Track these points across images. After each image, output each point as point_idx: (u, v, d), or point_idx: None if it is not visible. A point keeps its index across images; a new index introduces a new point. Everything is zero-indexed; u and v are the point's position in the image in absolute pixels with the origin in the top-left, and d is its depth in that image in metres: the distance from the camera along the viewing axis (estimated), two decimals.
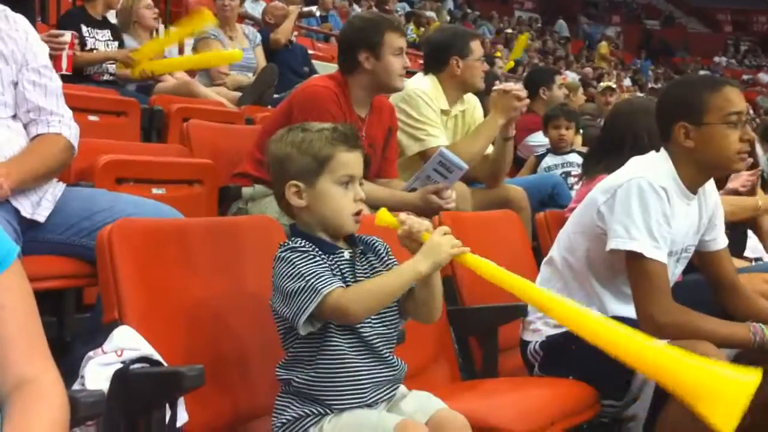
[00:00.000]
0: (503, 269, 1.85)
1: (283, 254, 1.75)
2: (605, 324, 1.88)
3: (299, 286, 1.70)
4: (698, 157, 2.36)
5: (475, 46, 3.70)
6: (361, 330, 1.77)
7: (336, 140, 1.79)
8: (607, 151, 3.12)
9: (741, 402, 1.71)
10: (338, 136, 1.80)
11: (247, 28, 5.64)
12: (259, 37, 5.67)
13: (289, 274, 1.72)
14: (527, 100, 3.55)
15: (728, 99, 2.35)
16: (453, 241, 1.78)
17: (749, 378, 1.71)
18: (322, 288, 1.69)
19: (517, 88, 3.56)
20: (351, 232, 1.83)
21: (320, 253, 1.76)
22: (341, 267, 1.79)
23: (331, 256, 1.78)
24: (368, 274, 1.81)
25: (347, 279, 1.78)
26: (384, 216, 1.81)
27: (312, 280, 1.70)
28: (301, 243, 1.76)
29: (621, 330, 1.85)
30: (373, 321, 1.79)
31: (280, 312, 1.74)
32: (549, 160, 4.70)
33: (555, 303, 1.85)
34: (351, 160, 1.80)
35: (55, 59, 3.10)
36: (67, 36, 4.08)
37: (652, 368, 1.82)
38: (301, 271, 1.71)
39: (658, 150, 2.45)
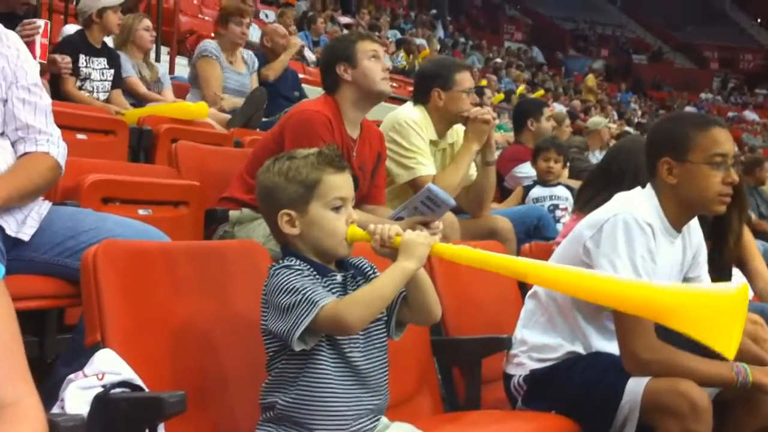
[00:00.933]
0: (478, 250, 1.84)
1: (278, 271, 1.75)
2: (582, 275, 1.91)
3: (295, 300, 1.69)
4: (679, 193, 2.38)
5: (460, 78, 3.69)
6: (350, 354, 1.76)
7: (322, 164, 1.79)
8: (607, 185, 3.13)
9: (734, 315, 1.70)
10: (323, 160, 1.79)
11: (246, 53, 5.62)
12: (256, 62, 5.66)
13: (284, 289, 1.72)
14: (495, 121, 3.60)
15: (715, 140, 2.36)
16: (424, 233, 1.79)
17: (735, 290, 1.70)
18: (319, 300, 1.69)
19: (482, 112, 3.59)
20: (344, 255, 1.83)
21: (314, 272, 1.76)
22: (333, 290, 1.79)
23: (324, 279, 1.78)
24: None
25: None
26: (355, 231, 1.80)
27: (308, 293, 1.70)
28: (295, 261, 1.77)
29: (599, 276, 1.89)
30: (361, 344, 1.78)
31: (274, 329, 1.73)
32: (537, 192, 4.72)
33: (531, 267, 1.86)
34: (339, 182, 1.80)
35: (29, 46, 3.10)
36: (41, 22, 4.08)
37: (635, 303, 1.82)
38: (296, 286, 1.71)
39: (644, 186, 2.47)
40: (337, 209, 1.79)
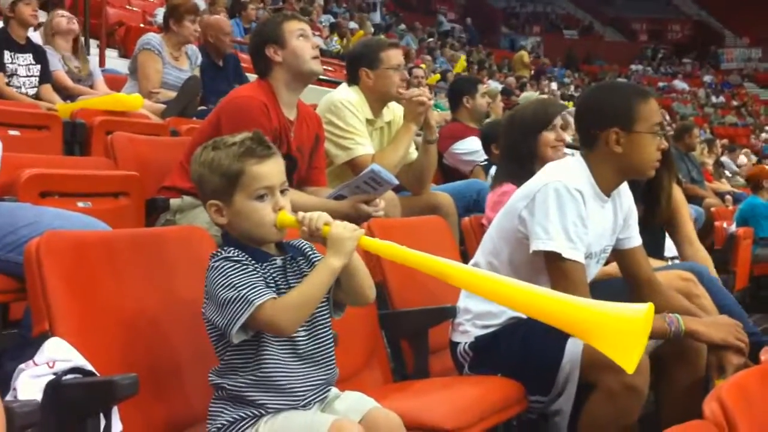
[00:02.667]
0: (402, 247, 1.86)
1: (216, 263, 1.76)
2: (500, 281, 1.95)
3: (232, 296, 1.71)
4: (621, 162, 2.47)
5: (386, 56, 3.72)
6: (294, 335, 1.79)
7: (243, 155, 1.78)
8: (510, 160, 3.31)
9: (639, 335, 1.78)
10: (245, 151, 1.78)
11: (190, 48, 5.54)
12: (199, 57, 5.60)
13: (222, 284, 1.73)
14: (431, 102, 3.64)
15: (654, 110, 2.48)
16: (350, 227, 1.79)
17: (640, 311, 1.77)
18: (255, 299, 1.70)
19: (417, 93, 3.64)
20: (277, 240, 1.85)
21: (253, 262, 1.77)
22: (274, 274, 1.81)
23: (264, 264, 1.80)
24: (299, 278, 1.83)
25: (280, 285, 1.81)
26: (284, 218, 1.80)
27: (244, 291, 1.71)
28: (234, 252, 1.77)
29: (516, 285, 1.92)
30: (306, 324, 1.81)
31: (213, 320, 1.75)
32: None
33: (451, 269, 1.89)
34: (263, 172, 1.79)
35: None
36: None
37: (549, 315, 1.88)
38: (233, 281, 1.72)
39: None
40: (261, 197, 1.79)
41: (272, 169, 1.80)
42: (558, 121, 3.32)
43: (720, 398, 1.49)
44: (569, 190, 2.39)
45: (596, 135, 2.48)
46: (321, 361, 1.83)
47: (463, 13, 27.46)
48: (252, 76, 3.39)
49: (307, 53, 3.14)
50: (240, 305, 1.70)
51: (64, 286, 1.82)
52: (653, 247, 3.23)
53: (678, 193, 3.44)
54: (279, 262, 1.83)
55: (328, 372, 1.85)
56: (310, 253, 1.90)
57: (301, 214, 1.80)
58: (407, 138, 3.66)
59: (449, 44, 19.12)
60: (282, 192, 1.82)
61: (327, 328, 1.86)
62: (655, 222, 3.30)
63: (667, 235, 3.55)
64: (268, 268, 1.80)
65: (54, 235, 1.88)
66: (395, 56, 3.78)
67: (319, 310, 1.84)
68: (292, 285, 1.81)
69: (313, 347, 1.82)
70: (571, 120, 6.86)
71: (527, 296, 1.88)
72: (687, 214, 3.53)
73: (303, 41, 3.14)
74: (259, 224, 1.79)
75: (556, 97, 14.46)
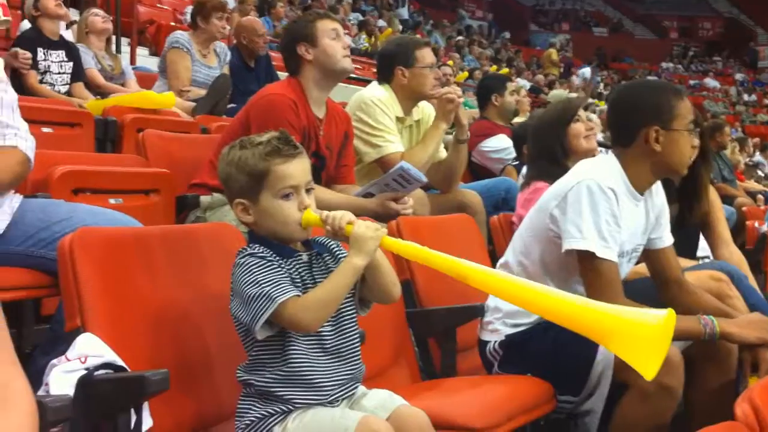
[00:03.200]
0: (424, 248, 1.85)
1: (242, 260, 1.77)
2: (520, 285, 1.92)
3: (255, 293, 1.72)
4: (657, 160, 2.44)
5: (421, 55, 3.74)
6: (321, 330, 1.80)
7: (270, 154, 1.79)
8: (541, 158, 3.33)
9: (658, 341, 1.75)
10: (271, 150, 1.79)
11: (219, 45, 5.58)
12: (228, 55, 5.63)
13: (246, 281, 1.74)
14: (461, 99, 3.64)
15: (689, 107, 2.47)
16: (373, 227, 1.79)
17: (660, 317, 1.74)
18: (278, 297, 1.71)
19: (447, 91, 3.64)
20: (302, 239, 1.85)
21: (278, 259, 1.78)
22: (300, 270, 1.82)
23: (290, 260, 1.81)
24: (325, 274, 1.84)
25: (306, 281, 1.81)
26: (309, 217, 1.81)
27: (268, 288, 1.72)
28: (259, 249, 1.78)
29: (536, 288, 1.90)
30: (332, 320, 1.82)
31: (239, 317, 1.77)
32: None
33: (472, 271, 1.86)
34: (289, 171, 1.79)
35: None
36: None
37: (568, 319, 1.85)
38: (257, 278, 1.73)
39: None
40: (287, 196, 1.79)
41: (298, 169, 1.81)
42: (583, 113, 3.35)
43: (752, 399, 1.47)
44: (602, 188, 2.37)
45: (634, 132, 2.45)
46: (347, 357, 1.84)
47: (490, 11, 27.36)
48: (283, 75, 3.39)
49: (338, 52, 3.15)
50: (263, 302, 1.71)
51: (97, 282, 1.83)
52: (687, 247, 3.19)
53: (712, 194, 3.39)
54: (305, 257, 1.84)
55: (355, 368, 1.85)
56: (335, 249, 1.91)
57: (325, 213, 1.81)
58: (437, 136, 3.66)
59: (477, 42, 19.04)
60: (307, 191, 1.83)
61: (353, 324, 1.87)
62: (691, 221, 3.25)
63: (700, 235, 3.51)
64: (293, 263, 1.81)
65: (87, 232, 1.90)
66: (429, 55, 3.79)
67: (345, 306, 1.84)
68: (317, 281, 1.82)
69: (339, 342, 1.83)
70: (597, 119, 6.84)
71: (545, 299, 1.86)
72: (721, 214, 3.48)
73: (335, 41, 3.15)
74: (285, 223, 1.80)
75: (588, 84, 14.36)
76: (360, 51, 12.61)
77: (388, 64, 3.75)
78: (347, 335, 1.85)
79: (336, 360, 1.81)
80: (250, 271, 1.74)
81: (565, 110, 3.41)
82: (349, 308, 1.86)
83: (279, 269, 1.76)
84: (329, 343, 1.81)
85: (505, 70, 13.37)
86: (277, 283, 1.73)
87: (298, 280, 1.80)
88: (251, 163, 1.79)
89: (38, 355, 2.18)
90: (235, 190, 1.83)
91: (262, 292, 1.71)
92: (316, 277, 1.83)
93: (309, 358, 1.78)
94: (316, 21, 3.18)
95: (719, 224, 3.41)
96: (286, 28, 3.33)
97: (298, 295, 1.74)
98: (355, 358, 1.86)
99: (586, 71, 19.62)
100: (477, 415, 2.05)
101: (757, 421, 1.43)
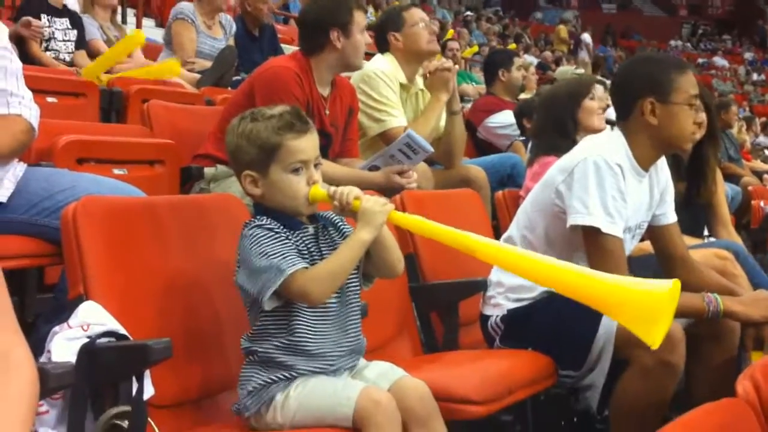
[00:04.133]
0: (432, 222, 1.87)
1: (250, 231, 1.78)
2: (525, 256, 1.94)
3: (264, 264, 1.73)
4: (657, 134, 2.43)
5: (409, 15, 3.75)
6: (327, 302, 1.81)
7: (282, 129, 1.79)
8: (549, 131, 3.35)
9: (664, 311, 1.75)
10: (284, 125, 1.80)
11: (224, 17, 5.53)
12: (234, 27, 5.60)
13: (255, 252, 1.75)
14: (456, 66, 3.64)
15: (692, 82, 2.44)
16: (380, 201, 1.81)
17: (665, 287, 1.74)
18: (287, 268, 1.72)
19: (440, 63, 3.65)
20: (308, 214, 1.85)
21: (285, 230, 1.79)
22: (306, 242, 1.82)
23: (297, 232, 1.81)
24: (331, 247, 1.85)
25: (313, 253, 1.82)
26: (317, 192, 1.82)
27: (276, 259, 1.73)
28: (267, 221, 1.79)
29: (541, 259, 1.92)
30: (338, 292, 1.82)
31: (246, 288, 1.78)
32: None
33: (479, 244, 1.88)
34: (301, 146, 1.80)
35: None
36: None
37: (574, 289, 1.86)
38: (266, 250, 1.74)
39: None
40: (297, 171, 1.80)
41: (309, 144, 1.82)
42: (599, 90, 3.38)
43: (753, 377, 1.47)
44: (609, 164, 2.36)
45: (631, 105, 2.44)
46: (349, 329, 1.85)
47: None
48: (288, 48, 3.37)
49: (362, 49, 3.19)
50: (272, 273, 1.72)
51: (100, 251, 1.83)
52: (693, 226, 3.19)
53: (716, 174, 3.38)
54: (311, 230, 1.85)
55: (356, 340, 1.87)
56: (340, 223, 1.91)
57: (332, 188, 1.81)
58: (438, 108, 3.64)
59: (485, 17, 18.91)
60: (315, 166, 1.84)
61: (356, 298, 1.88)
62: (699, 200, 3.25)
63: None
64: (300, 235, 1.82)
65: (90, 201, 1.90)
66: (417, 12, 3.81)
67: (350, 280, 1.85)
68: (324, 253, 1.83)
69: (344, 314, 1.84)
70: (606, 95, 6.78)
71: (552, 271, 1.87)
72: (723, 195, 3.48)
73: (363, 36, 3.18)
74: (293, 197, 1.80)
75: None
76: (369, 25, 12.51)
77: (381, 34, 3.77)
78: (351, 308, 1.86)
79: (339, 331, 1.83)
80: (258, 243, 1.75)
81: (580, 85, 3.44)
82: (353, 282, 1.87)
83: (287, 241, 1.77)
84: (334, 315, 1.82)
85: (512, 46, 13.28)
86: (285, 255, 1.74)
87: (305, 252, 1.81)
88: (263, 137, 1.79)
89: (41, 323, 2.19)
90: (244, 163, 1.83)
91: (272, 263, 1.72)
92: (322, 249, 1.84)
93: (314, 329, 1.79)
94: (354, 11, 3.15)
95: (720, 206, 3.41)
96: (321, 6, 3.22)
97: (306, 267, 1.75)
98: (357, 330, 1.88)
99: (586, 36, 19.54)
100: (478, 388, 2.06)
101: (759, 399, 1.43)
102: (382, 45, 3.78)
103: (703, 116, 3.00)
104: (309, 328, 1.79)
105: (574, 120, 3.32)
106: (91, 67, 4.57)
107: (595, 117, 3.33)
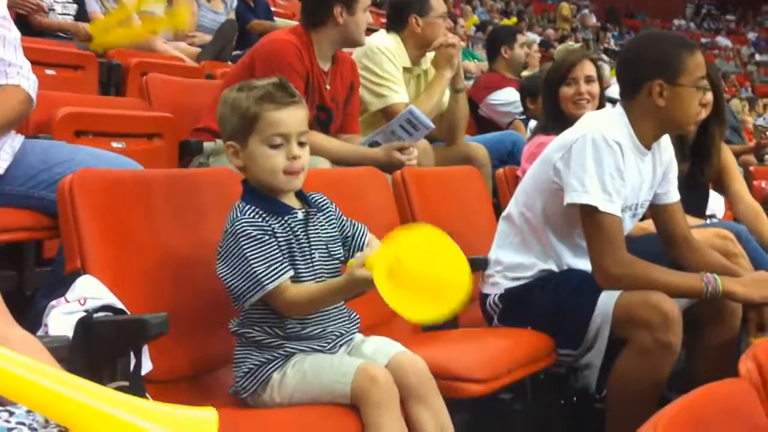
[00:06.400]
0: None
1: (234, 228, 1.73)
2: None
3: (246, 272, 1.70)
4: (663, 115, 2.40)
5: (436, 4, 3.73)
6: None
7: (262, 99, 1.76)
8: (547, 113, 3.34)
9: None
10: (264, 95, 1.76)
11: None
12: (235, 1, 5.56)
13: (237, 254, 1.72)
14: (461, 43, 3.62)
15: (700, 63, 2.40)
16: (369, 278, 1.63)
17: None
18: (267, 284, 1.70)
19: (444, 39, 3.62)
20: (286, 190, 1.80)
21: (271, 218, 1.75)
22: (294, 228, 1.79)
23: (286, 217, 1.78)
24: (319, 233, 1.82)
25: (300, 239, 1.79)
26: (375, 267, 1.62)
27: (259, 269, 1.70)
28: (251, 212, 1.74)
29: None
30: (326, 276, 1.81)
31: (226, 282, 1.75)
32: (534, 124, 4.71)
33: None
34: (280, 119, 1.76)
35: None
36: None
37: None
38: (247, 254, 1.71)
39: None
40: (276, 146, 1.76)
41: (290, 117, 1.77)
42: (579, 73, 3.26)
43: (756, 357, 1.46)
44: (607, 141, 2.33)
45: (639, 85, 2.40)
46: (339, 308, 1.83)
47: None
48: (282, 21, 3.34)
49: (364, 27, 3.17)
50: (252, 284, 1.70)
51: (97, 224, 1.82)
52: (696, 206, 3.17)
53: (726, 152, 3.35)
54: (300, 215, 1.81)
55: (347, 315, 1.85)
56: (327, 208, 1.88)
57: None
58: (441, 85, 3.62)
59: None
60: (300, 144, 1.79)
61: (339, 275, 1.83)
62: (703, 179, 3.22)
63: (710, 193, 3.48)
64: (289, 221, 1.79)
65: (87, 173, 1.88)
66: (442, 4, 3.80)
67: (332, 265, 1.82)
68: (312, 239, 1.80)
69: None
70: (607, 71, 6.74)
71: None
72: (736, 171, 3.43)
73: (366, 15, 3.16)
74: (270, 171, 1.77)
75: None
76: (372, 2, 12.43)
77: (402, 12, 3.72)
78: None
79: (329, 312, 1.81)
80: (241, 245, 1.71)
81: (558, 69, 3.34)
82: (335, 266, 1.84)
83: (271, 240, 1.73)
84: None
85: (512, 20, 13.19)
86: (268, 264, 1.71)
87: (292, 240, 1.78)
88: (244, 106, 1.77)
89: (40, 297, 2.17)
90: (227, 133, 1.81)
91: (254, 273, 1.70)
92: (310, 235, 1.81)
93: (303, 317, 1.78)
94: None
95: (734, 182, 3.36)
96: None
97: (289, 276, 1.72)
98: (345, 308, 1.85)
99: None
100: (476, 367, 2.05)
101: (761, 379, 1.43)
102: (396, 23, 3.73)
103: (709, 96, 2.98)
104: (298, 317, 1.78)
105: (557, 106, 3.27)
106: (104, 20, 4.54)
107: (570, 104, 3.24)
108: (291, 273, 1.74)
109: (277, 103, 1.76)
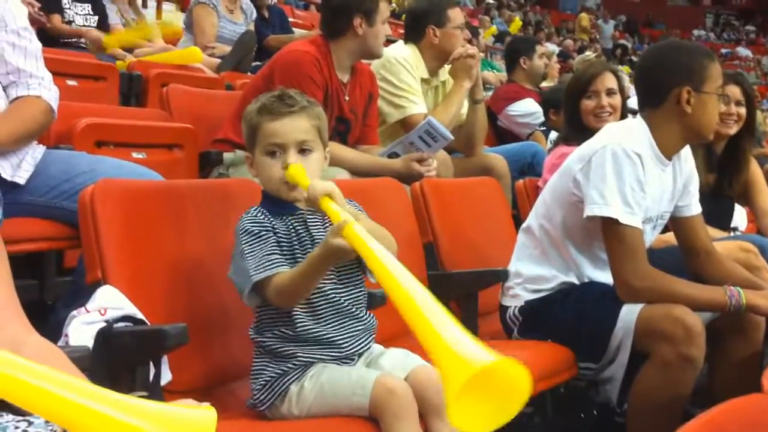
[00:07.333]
0: (376, 248, 1.54)
1: (239, 226, 1.79)
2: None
3: (241, 266, 1.75)
4: (688, 123, 2.38)
5: (453, 14, 3.72)
6: (324, 288, 1.78)
7: (261, 110, 1.81)
8: (568, 124, 3.33)
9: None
10: (262, 107, 1.82)
11: (245, 2, 5.52)
12: (254, 12, 5.59)
13: (237, 249, 1.78)
14: (480, 54, 3.61)
15: (720, 71, 2.41)
16: (344, 215, 1.64)
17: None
18: (254, 275, 1.72)
19: (463, 50, 3.61)
20: (291, 199, 1.81)
21: (273, 219, 1.78)
22: (297, 228, 1.80)
23: (288, 218, 1.81)
24: (321, 232, 1.81)
25: (303, 238, 1.80)
26: (294, 175, 1.73)
27: (251, 262, 1.73)
28: (256, 212, 1.79)
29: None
30: (335, 278, 1.80)
31: (232, 279, 1.81)
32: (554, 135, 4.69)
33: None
34: (275, 129, 1.79)
35: None
36: None
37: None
38: (244, 249, 1.76)
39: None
40: (272, 154, 1.80)
41: (285, 127, 1.80)
42: (600, 86, 3.25)
43: None
44: (627, 152, 2.31)
45: (665, 93, 2.38)
46: (355, 311, 1.82)
47: None
48: (298, 31, 3.35)
49: (383, 38, 3.18)
50: (245, 277, 1.74)
51: (118, 235, 1.82)
52: (720, 218, 3.13)
53: (753, 165, 3.31)
54: (305, 215, 1.83)
55: (364, 321, 1.83)
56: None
57: (313, 180, 1.73)
58: (460, 96, 3.62)
59: (506, 4, 18.76)
60: (303, 151, 1.80)
61: (357, 279, 1.84)
62: (729, 192, 3.19)
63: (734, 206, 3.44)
64: (291, 221, 1.81)
65: (108, 183, 1.89)
66: (460, 15, 3.79)
67: (350, 267, 1.82)
68: (315, 239, 1.80)
69: (345, 299, 1.80)
70: (627, 81, 6.70)
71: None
72: (763, 184, 3.39)
73: (384, 27, 3.17)
74: (269, 179, 1.82)
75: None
76: (393, 12, 12.47)
77: (420, 23, 3.71)
78: (352, 290, 1.82)
79: (343, 316, 1.80)
80: (241, 240, 1.77)
81: (579, 81, 3.34)
82: (353, 269, 1.83)
83: (269, 236, 1.76)
84: (334, 301, 1.79)
85: (516, 22, 13.17)
86: (259, 258, 1.73)
87: (295, 239, 1.79)
88: (248, 118, 1.84)
89: (60, 307, 2.18)
90: (246, 143, 1.88)
91: (247, 266, 1.74)
92: (313, 234, 1.81)
93: (313, 317, 1.77)
94: (381, 1, 3.15)
95: (760, 196, 3.32)
96: None
97: (281, 270, 1.72)
98: (363, 311, 1.84)
99: None
100: None
101: None
102: (414, 34, 3.72)
103: (742, 110, 2.98)
104: (307, 317, 1.77)
105: (578, 118, 3.27)
106: (115, 39, 4.58)
107: (591, 117, 3.25)
108: (284, 268, 1.74)
109: (274, 114, 1.81)
